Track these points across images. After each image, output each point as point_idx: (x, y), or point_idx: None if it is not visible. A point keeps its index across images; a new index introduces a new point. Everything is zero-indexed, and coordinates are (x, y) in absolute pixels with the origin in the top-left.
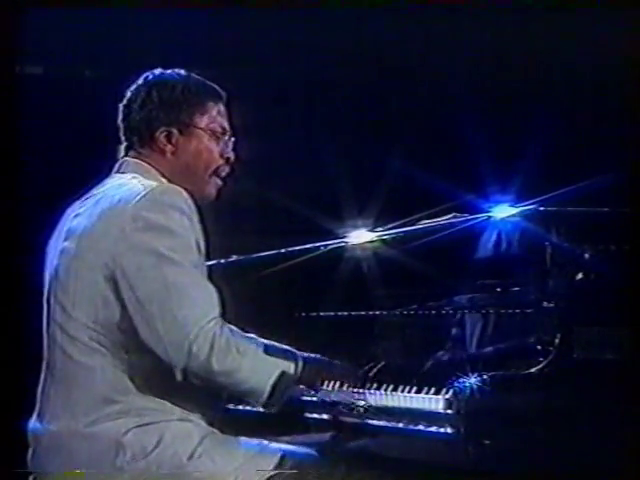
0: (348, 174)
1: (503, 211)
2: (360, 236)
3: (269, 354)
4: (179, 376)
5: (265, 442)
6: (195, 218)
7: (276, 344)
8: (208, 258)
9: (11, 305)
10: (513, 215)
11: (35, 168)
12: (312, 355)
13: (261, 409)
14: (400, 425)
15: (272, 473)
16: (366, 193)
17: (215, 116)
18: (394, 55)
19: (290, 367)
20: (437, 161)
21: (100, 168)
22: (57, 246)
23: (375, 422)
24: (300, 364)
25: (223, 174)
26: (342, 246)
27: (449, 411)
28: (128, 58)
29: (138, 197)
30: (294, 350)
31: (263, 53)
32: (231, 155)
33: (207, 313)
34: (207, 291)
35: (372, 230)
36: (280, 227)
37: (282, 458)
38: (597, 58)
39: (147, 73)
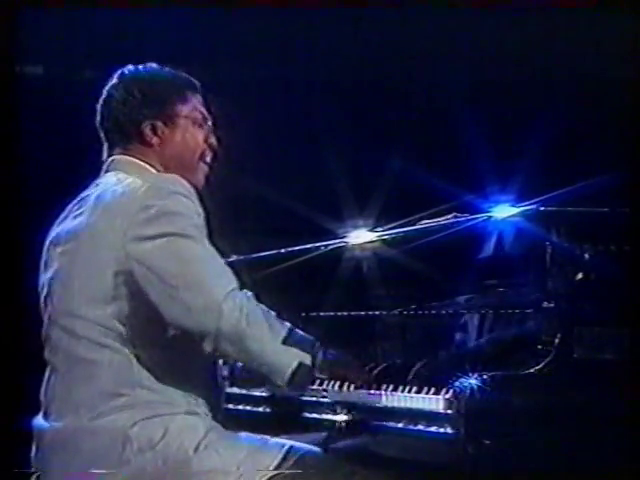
0: (348, 174)
1: (503, 211)
2: (360, 236)
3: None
4: (209, 345)
5: (268, 437)
6: (197, 202)
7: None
8: None
9: (12, 306)
10: (513, 215)
11: (34, 168)
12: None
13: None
14: (400, 425)
15: (274, 469)
16: (366, 193)
17: (195, 104)
18: (394, 54)
19: (305, 358)
20: (437, 161)
21: (99, 167)
22: (55, 249)
23: (375, 422)
24: (320, 356)
25: (208, 159)
26: (342, 246)
27: (449, 411)
28: (127, 58)
29: (142, 189)
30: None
31: (264, 52)
32: (214, 140)
33: (230, 282)
34: (225, 266)
35: (372, 230)
36: (280, 227)
37: (286, 453)
38: (597, 58)
39: (120, 70)
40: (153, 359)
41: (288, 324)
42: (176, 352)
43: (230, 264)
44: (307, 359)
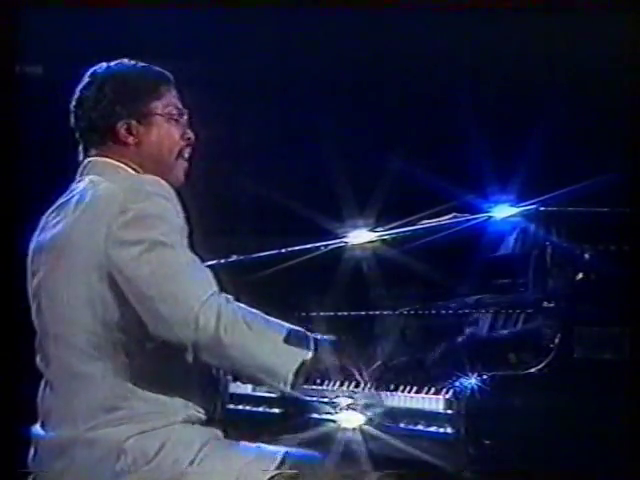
0: (348, 174)
1: (503, 211)
2: (360, 236)
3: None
4: (190, 357)
5: (264, 445)
6: (177, 202)
7: (284, 324)
8: (207, 258)
9: (12, 312)
10: (513, 215)
11: (34, 168)
12: (324, 337)
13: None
14: (400, 425)
15: (272, 474)
16: (366, 193)
17: (169, 99)
18: (394, 54)
19: (307, 355)
20: (437, 161)
21: None
22: (40, 258)
23: (375, 422)
24: (313, 349)
25: (187, 155)
26: (342, 246)
27: (449, 411)
28: (127, 58)
29: (121, 191)
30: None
31: (264, 51)
32: (191, 135)
33: (207, 289)
34: (203, 270)
35: (372, 230)
36: (280, 227)
37: (282, 460)
38: (597, 58)
39: (92, 69)
40: (146, 367)
41: (277, 323)
42: (168, 358)
43: (230, 264)
44: (308, 355)
